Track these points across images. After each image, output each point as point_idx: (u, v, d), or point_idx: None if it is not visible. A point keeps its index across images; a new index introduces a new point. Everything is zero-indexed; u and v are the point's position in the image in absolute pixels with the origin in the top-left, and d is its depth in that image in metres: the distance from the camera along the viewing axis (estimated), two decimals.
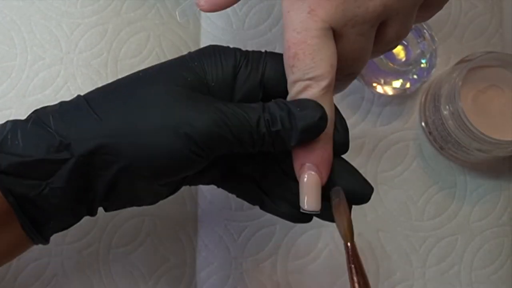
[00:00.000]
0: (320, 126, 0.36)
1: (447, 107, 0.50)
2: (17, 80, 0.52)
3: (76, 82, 0.52)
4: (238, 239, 0.51)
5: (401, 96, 0.54)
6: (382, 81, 0.52)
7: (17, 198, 0.35)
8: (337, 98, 0.54)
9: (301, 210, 0.37)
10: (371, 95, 0.54)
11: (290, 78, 0.36)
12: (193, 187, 0.52)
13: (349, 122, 0.53)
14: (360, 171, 0.53)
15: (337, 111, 0.38)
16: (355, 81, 0.54)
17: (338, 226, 0.37)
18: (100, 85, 0.51)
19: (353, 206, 0.53)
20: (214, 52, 0.38)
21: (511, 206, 0.54)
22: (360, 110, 0.54)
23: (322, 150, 0.37)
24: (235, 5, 0.55)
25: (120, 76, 0.52)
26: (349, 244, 0.36)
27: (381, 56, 0.50)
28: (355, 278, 0.36)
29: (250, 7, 0.55)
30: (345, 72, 0.38)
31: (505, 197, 0.54)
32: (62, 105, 0.37)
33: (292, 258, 0.52)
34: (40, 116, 0.36)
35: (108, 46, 0.53)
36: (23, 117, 0.50)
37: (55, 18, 0.53)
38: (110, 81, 0.52)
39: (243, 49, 0.54)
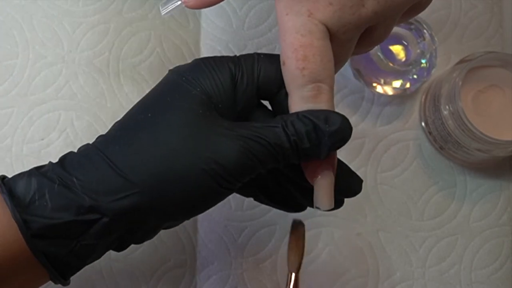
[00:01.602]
0: (347, 140, 0.36)
1: (447, 107, 0.50)
2: (19, 78, 0.52)
3: (78, 81, 0.52)
4: (238, 239, 0.51)
5: (401, 96, 0.54)
6: (382, 81, 0.52)
7: (47, 257, 0.35)
8: (337, 98, 0.54)
9: (315, 208, 0.37)
10: (371, 95, 0.54)
11: (298, 81, 0.36)
12: None
13: None
14: (360, 171, 0.53)
15: None
16: (355, 81, 0.54)
17: (289, 254, 0.37)
18: (101, 84, 0.52)
19: (354, 205, 0.53)
20: (207, 68, 0.37)
21: (511, 206, 0.54)
22: (360, 110, 0.54)
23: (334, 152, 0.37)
24: (234, 5, 0.55)
25: (121, 76, 0.53)
26: (293, 275, 0.37)
27: (381, 56, 0.50)
28: None
29: (250, 7, 0.55)
30: None
31: (505, 197, 0.54)
32: (80, 162, 0.36)
33: None
34: (62, 176, 0.35)
35: (110, 45, 0.53)
36: (25, 116, 0.51)
37: (57, 16, 0.53)
38: (112, 80, 0.53)
39: (243, 49, 0.54)
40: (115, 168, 0.35)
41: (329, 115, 0.36)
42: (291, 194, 0.40)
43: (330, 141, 0.35)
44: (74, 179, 0.35)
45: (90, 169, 0.35)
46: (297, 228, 0.37)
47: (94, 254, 0.37)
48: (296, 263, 0.37)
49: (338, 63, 0.38)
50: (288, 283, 0.37)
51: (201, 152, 0.35)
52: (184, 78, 0.37)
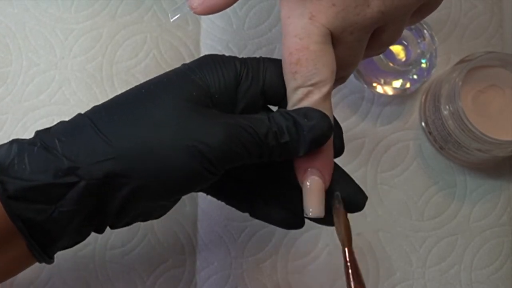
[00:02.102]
0: (328, 136, 0.36)
1: (447, 107, 0.50)
2: (13, 85, 0.52)
3: (70, 86, 0.53)
4: (238, 239, 0.51)
5: (401, 96, 0.54)
6: (382, 81, 0.52)
7: (25, 222, 0.34)
8: (337, 98, 0.54)
9: (305, 216, 0.37)
10: (371, 95, 0.54)
11: (291, 84, 0.36)
12: None
13: (349, 122, 0.54)
14: (360, 171, 0.53)
15: (336, 122, 0.39)
16: (355, 81, 0.54)
17: (337, 231, 0.37)
18: (95, 88, 0.52)
19: None
20: (213, 62, 0.37)
21: (511, 206, 0.54)
22: (360, 110, 0.54)
23: (324, 155, 0.37)
24: (235, 5, 0.55)
25: (115, 79, 0.53)
26: (346, 249, 0.36)
27: (381, 56, 0.50)
28: (352, 284, 0.36)
29: (250, 7, 0.55)
30: (337, 76, 0.38)
31: (505, 197, 0.54)
32: (66, 127, 0.36)
33: (292, 258, 0.51)
34: (45, 139, 0.35)
35: (103, 50, 0.53)
36: (19, 122, 0.51)
37: (49, 24, 0.53)
38: (105, 84, 0.53)
39: (243, 49, 0.54)
40: (98, 132, 0.35)
41: (308, 111, 0.36)
42: (289, 199, 0.40)
43: (308, 135, 0.35)
44: (56, 141, 0.35)
45: (73, 132, 0.35)
46: (338, 201, 0.37)
47: (72, 225, 0.36)
48: (345, 237, 0.37)
49: (349, 65, 0.38)
50: (345, 260, 0.37)
51: (187, 130, 0.35)
52: (187, 67, 0.37)
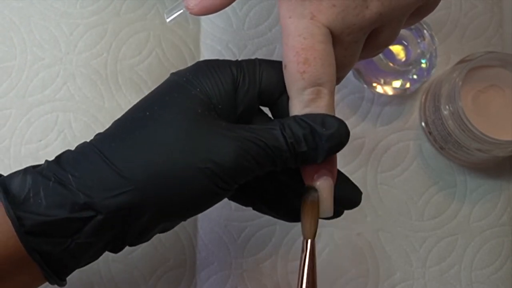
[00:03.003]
0: (345, 144, 0.36)
1: (447, 107, 0.50)
2: (17, 80, 0.52)
3: (75, 82, 0.52)
4: (238, 239, 0.51)
5: (401, 96, 0.54)
6: (382, 81, 0.52)
7: (41, 255, 0.35)
8: (337, 98, 0.54)
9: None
10: (371, 95, 0.54)
11: (299, 84, 0.36)
12: None
13: (349, 122, 0.53)
14: (360, 171, 0.53)
15: None
16: (355, 81, 0.54)
17: (303, 223, 0.37)
18: (99, 85, 0.52)
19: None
20: (209, 70, 0.37)
21: (511, 206, 0.54)
22: (360, 110, 0.54)
23: (333, 157, 0.37)
24: (234, 5, 0.55)
25: (119, 77, 0.53)
26: (309, 241, 0.36)
27: (381, 56, 0.50)
28: (305, 277, 0.36)
29: (250, 7, 0.55)
30: None
31: (505, 197, 0.54)
32: (77, 159, 0.36)
33: (292, 258, 0.51)
34: (58, 174, 0.35)
35: (108, 46, 0.53)
36: (23, 117, 0.51)
37: (54, 18, 0.53)
38: (109, 81, 0.53)
39: (243, 49, 0.54)
40: (110, 164, 0.35)
41: (326, 118, 0.36)
42: (291, 202, 0.40)
43: (327, 144, 0.35)
44: (70, 176, 0.35)
45: (85, 166, 0.35)
46: (311, 193, 0.37)
47: (89, 253, 0.36)
48: (312, 228, 0.37)
49: (345, 66, 0.38)
50: (305, 251, 0.36)
51: (198, 151, 0.34)
52: (184, 79, 0.37)
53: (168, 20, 0.40)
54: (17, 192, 0.35)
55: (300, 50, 0.35)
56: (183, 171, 0.34)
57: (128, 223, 0.35)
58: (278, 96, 0.37)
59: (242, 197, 0.41)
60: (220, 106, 0.36)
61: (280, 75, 0.37)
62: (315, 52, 0.35)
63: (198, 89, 0.36)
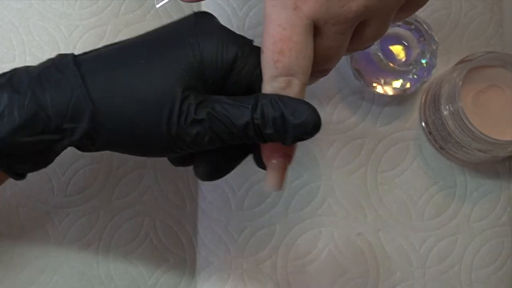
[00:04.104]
0: (312, 135, 0.36)
1: (447, 107, 0.50)
2: None
3: None
4: (238, 239, 0.51)
5: (401, 96, 0.54)
6: (382, 81, 0.52)
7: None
8: (337, 98, 0.54)
9: (264, 188, 0.39)
10: (371, 95, 0.54)
11: (271, 72, 0.36)
12: (193, 187, 0.52)
13: (349, 122, 0.54)
14: (360, 171, 0.53)
15: None
16: (355, 81, 0.54)
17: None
18: None
19: (354, 205, 0.53)
20: (218, 42, 0.37)
21: (511, 206, 0.54)
22: (360, 110, 0.54)
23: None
24: (234, 5, 0.55)
25: None
26: None
27: (381, 56, 0.50)
28: None
29: (250, 7, 0.55)
30: (320, 68, 0.38)
31: (505, 197, 0.54)
32: (58, 80, 0.37)
33: (292, 258, 0.52)
34: (36, 92, 0.37)
35: None
36: None
37: (53, 19, 0.53)
38: None
39: None
40: (86, 95, 0.36)
41: (298, 106, 0.36)
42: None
43: (293, 132, 0.36)
44: (48, 97, 0.36)
45: (64, 91, 0.36)
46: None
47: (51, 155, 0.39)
48: None
49: (331, 58, 0.38)
50: None
51: (164, 110, 0.36)
52: (191, 40, 0.37)
53: (157, 6, 0.41)
54: None
55: (277, 40, 0.36)
56: (149, 127, 0.36)
57: (85, 144, 0.38)
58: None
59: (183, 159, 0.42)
60: (210, 81, 0.37)
61: None
62: (292, 43, 0.35)
63: (197, 58, 0.37)
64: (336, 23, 0.36)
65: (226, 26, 0.39)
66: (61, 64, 0.38)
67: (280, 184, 0.38)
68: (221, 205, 0.52)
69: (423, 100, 0.54)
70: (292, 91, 0.36)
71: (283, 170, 0.38)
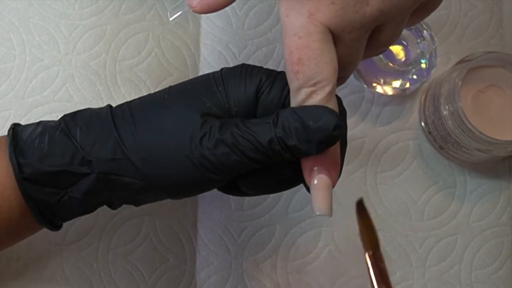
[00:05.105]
0: (336, 137, 0.35)
1: (447, 107, 0.50)
2: (16, 81, 0.52)
3: (74, 83, 0.53)
4: (238, 239, 0.51)
5: (401, 96, 0.54)
6: (382, 81, 0.52)
7: (37, 202, 0.37)
8: None
9: (314, 213, 0.37)
10: (371, 95, 0.54)
11: (294, 84, 0.36)
12: None
13: (349, 122, 0.53)
14: (360, 171, 0.53)
15: (341, 108, 0.38)
16: (355, 81, 0.54)
17: (362, 235, 0.36)
18: (98, 86, 0.53)
19: (354, 205, 0.53)
20: (240, 74, 0.37)
21: (511, 206, 0.54)
22: (360, 110, 0.54)
23: (331, 153, 0.36)
24: (234, 5, 0.55)
25: (118, 77, 0.53)
26: (367, 254, 0.36)
27: (381, 56, 0.50)
28: None
29: (250, 7, 0.55)
30: (337, 76, 0.38)
31: (505, 197, 0.54)
32: (91, 116, 0.38)
33: (292, 258, 0.52)
34: (68, 125, 0.37)
35: (107, 47, 0.53)
36: (22, 118, 0.51)
37: (53, 19, 0.53)
38: (108, 82, 0.53)
39: (243, 49, 0.54)
40: (115, 131, 0.36)
41: (314, 110, 0.35)
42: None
43: (316, 137, 0.35)
44: (78, 129, 0.37)
45: (95, 127, 0.37)
46: (362, 206, 0.36)
47: (83, 207, 0.38)
48: (374, 239, 0.36)
49: (348, 65, 0.37)
50: (368, 265, 0.35)
51: (189, 143, 0.36)
52: (216, 76, 0.38)
53: (171, 19, 0.41)
54: (25, 138, 0.37)
55: (294, 49, 0.35)
56: (173, 156, 0.36)
57: (117, 188, 0.37)
58: None
59: (234, 189, 0.41)
60: (235, 109, 0.37)
61: None
62: (310, 51, 0.35)
63: (220, 88, 0.37)
64: (352, 30, 0.36)
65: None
66: (97, 109, 0.39)
67: (326, 205, 0.36)
68: (221, 205, 0.52)
69: (422, 100, 0.54)
70: (315, 101, 0.35)
71: (325, 190, 0.36)
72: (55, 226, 0.39)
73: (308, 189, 0.37)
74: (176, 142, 0.36)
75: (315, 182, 0.36)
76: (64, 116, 0.38)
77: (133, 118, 0.37)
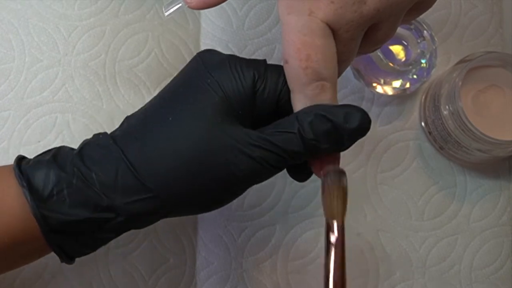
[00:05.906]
0: (366, 133, 0.37)
1: (447, 107, 0.50)
2: (15, 82, 0.52)
3: (74, 84, 0.52)
4: (238, 239, 0.51)
5: (401, 96, 0.54)
6: (382, 81, 0.52)
7: (62, 248, 0.37)
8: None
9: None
10: (371, 95, 0.54)
11: (301, 80, 0.36)
12: None
13: None
14: (360, 171, 0.53)
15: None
16: (355, 81, 0.54)
17: (330, 203, 0.35)
18: (97, 86, 0.52)
19: (354, 205, 0.53)
20: (232, 72, 0.37)
21: (511, 206, 0.54)
22: None
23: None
24: (234, 5, 0.55)
25: (118, 78, 0.53)
26: (335, 223, 0.35)
27: (381, 56, 0.50)
28: (331, 265, 0.35)
29: (250, 7, 0.55)
30: None
31: (505, 197, 0.54)
32: (100, 156, 0.37)
33: (292, 258, 0.52)
34: (82, 170, 0.36)
35: (106, 48, 0.53)
36: (22, 119, 0.51)
37: (52, 20, 0.53)
38: (107, 82, 0.53)
39: (243, 49, 0.54)
40: (132, 169, 0.36)
41: (348, 111, 0.36)
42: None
43: (351, 138, 0.36)
44: (93, 175, 0.36)
45: (108, 167, 0.36)
46: (340, 177, 0.36)
47: (105, 244, 0.39)
48: (341, 208, 0.35)
49: (343, 63, 0.38)
50: (334, 235, 0.34)
51: (217, 163, 0.36)
52: (209, 81, 0.37)
53: (166, 14, 0.41)
54: (41, 188, 0.36)
55: (301, 46, 0.36)
56: (201, 181, 0.36)
57: (145, 221, 0.38)
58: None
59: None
60: (240, 112, 0.37)
61: None
62: (316, 48, 0.36)
63: (220, 95, 0.37)
64: (350, 29, 0.36)
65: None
66: (99, 141, 0.38)
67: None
68: None
69: (422, 100, 0.54)
70: (327, 96, 0.36)
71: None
72: (73, 259, 0.39)
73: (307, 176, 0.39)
74: (201, 167, 0.36)
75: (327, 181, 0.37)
76: (72, 159, 0.37)
77: (143, 145, 0.36)
